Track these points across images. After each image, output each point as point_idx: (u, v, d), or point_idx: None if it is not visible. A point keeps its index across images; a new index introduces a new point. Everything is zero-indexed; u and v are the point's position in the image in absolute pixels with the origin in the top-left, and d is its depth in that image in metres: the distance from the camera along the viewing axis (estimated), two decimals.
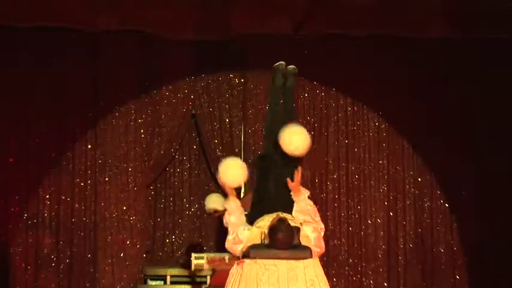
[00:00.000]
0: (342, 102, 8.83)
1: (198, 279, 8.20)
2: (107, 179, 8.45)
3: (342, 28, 8.48)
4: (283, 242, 5.12)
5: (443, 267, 8.64)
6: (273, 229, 5.14)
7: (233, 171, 5.43)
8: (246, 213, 5.76)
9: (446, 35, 8.47)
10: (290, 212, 5.44)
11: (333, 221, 8.57)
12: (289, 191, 5.52)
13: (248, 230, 5.34)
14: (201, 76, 8.73)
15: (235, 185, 5.47)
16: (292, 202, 5.54)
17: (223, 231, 6.82)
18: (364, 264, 8.59)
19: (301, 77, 8.71)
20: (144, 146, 8.57)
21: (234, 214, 5.44)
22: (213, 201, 8.48)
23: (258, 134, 8.66)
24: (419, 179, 8.77)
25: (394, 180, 8.76)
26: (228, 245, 5.39)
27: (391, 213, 8.70)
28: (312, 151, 5.48)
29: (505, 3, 7.78)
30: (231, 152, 8.62)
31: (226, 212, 5.50)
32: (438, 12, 8.12)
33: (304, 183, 5.87)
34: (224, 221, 5.51)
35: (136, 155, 8.52)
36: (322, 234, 5.40)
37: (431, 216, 8.71)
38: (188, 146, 9.07)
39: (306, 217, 5.38)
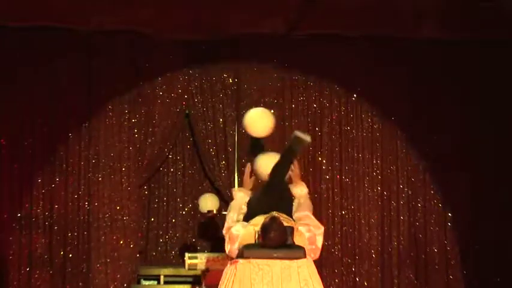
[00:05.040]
0: (336, 102, 8.84)
1: (191, 279, 8.21)
2: (100, 178, 8.43)
3: (336, 28, 8.48)
4: (275, 240, 5.15)
5: (437, 267, 8.65)
6: (265, 227, 5.17)
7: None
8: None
9: (442, 35, 8.48)
10: (284, 213, 5.47)
11: (327, 220, 8.56)
12: (283, 192, 5.56)
13: (244, 227, 5.36)
14: (194, 76, 8.72)
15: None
16: (286, 204, 5.57)
17: (217, 231, 6.86)
18: (357, 264, 8.60)
19: (295, 77, 8.79)
20: (138, 145, 8.56)
21: (238, 202, 5.51)
22: (207, 201, 8.51)
23: None
24: (412, 179, 8.78)
25: (387, 180, 8.76)
26: (227, 249, 5.42)
27: (384, 213, 8.71)
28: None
29: (503, 3, 7.80)
30: (224, 152, 8.63)
31: (232, 205, 5.59)
32: (434, 12, 8.13)
33: None
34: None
35: (129, 155, 8.51)
36: (320, 233, 5.45)
37: (424, 216, 8.72)
38: (182, 145, 9.07)
39: (304, 213, 5.43)
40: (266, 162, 5.65)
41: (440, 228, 8.70)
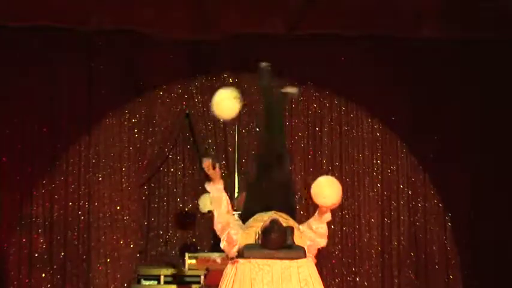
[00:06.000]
0: (336, 102, 8.84)
1: (191, 279, 8.20)
2: (100, 178, 8.44)
3: (336, 28, 8.47)
4: (275, 243, 5.13)
5: (437, 267, 8.65)
6: (265, 230, 5.15)
7: (227, 102, 5.50)
8: (239, 212, 5.77)
9: (442, 35, 8.47)
10: (284, 211, 5.45)
11: None
12: (285, 190, 5.55)
13: (242, 229, 5.34)
14: (194, 76, 8.72)
15: (230, 116, 5.66)
16: (288, 201, 5.56)
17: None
18: (357, 264, 8.60)
19: (295, 77, 8.78)
20: (138, 145, 8.57)
21: (222, 202, 5.45)
22: (207, 201, 8.49)
23: (251, 133, 8.67)
24: (412, 179, 8.78)
25: (387, 180, 8.77)
26: (222, 245, 5.40)
27: (384, 213, 8.71)
28: None
29: (504, 3, 7.80)
30: (224, 152, 8.62)
31: (213, 199, 5.50)
32: (434, 12, 8.13)
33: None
34: (215, 216, 5.50)
35: (130, 155, 8.52)
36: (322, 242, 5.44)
37: (424, 216, 8.72)
38: (182, 145, 9.06)
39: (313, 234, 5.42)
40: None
41: (440, 228, 8.70)
